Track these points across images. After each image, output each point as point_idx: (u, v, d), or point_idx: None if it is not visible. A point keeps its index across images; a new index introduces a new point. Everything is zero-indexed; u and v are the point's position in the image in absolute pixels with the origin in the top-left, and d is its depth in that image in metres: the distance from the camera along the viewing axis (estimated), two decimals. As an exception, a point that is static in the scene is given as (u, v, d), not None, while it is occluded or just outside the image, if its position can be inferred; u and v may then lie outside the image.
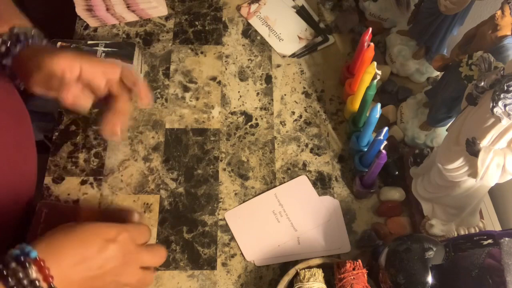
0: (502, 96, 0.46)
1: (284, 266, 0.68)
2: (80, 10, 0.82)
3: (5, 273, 0.39)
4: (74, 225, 0.46)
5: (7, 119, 0.60)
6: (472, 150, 0.51)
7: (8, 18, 0.56)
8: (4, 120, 0.60)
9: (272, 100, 0.81)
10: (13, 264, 0.40)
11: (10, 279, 0.39)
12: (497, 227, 0.71)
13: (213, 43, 0.85)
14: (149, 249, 0.50)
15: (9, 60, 0.54)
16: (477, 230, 0.65)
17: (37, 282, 0.40)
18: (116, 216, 0.64)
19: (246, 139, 0.77)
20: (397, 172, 0.73)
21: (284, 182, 0.74)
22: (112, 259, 0.45)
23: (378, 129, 0.65)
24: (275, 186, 0.74)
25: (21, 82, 0.58)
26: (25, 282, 0.39)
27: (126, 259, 0.46)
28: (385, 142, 0.64)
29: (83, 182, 0.72)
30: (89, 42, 0.78)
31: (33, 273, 0.40)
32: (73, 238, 0.44)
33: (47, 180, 0.72)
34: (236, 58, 0.84)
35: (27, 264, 0.40)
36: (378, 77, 0.66)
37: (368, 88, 0.67)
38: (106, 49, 0.77)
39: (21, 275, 0.39)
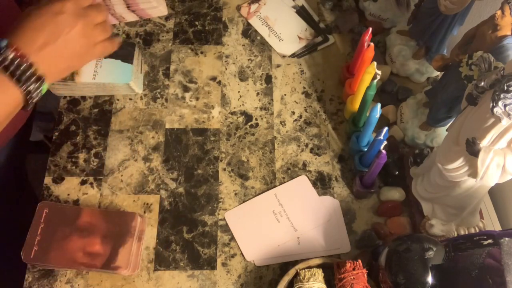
0: (502, 96, 0.46)
1: (284, 266, 0.68)
2: (80, 10, 0.82)
3: None
4: (30, 17, 0.53)
5: None
6: (472, 150, 0.51)
7: None
8: None
9: (272, 100, 0.81)
10: None
11: None
12: (497, 227, 0.71)
13: (213, 43, 0.85)
14: (94, 7, 0.57)
15: None
16: (477, 230, 0.65)
17: (17, 60, 0.49)
18: (116, 217, 0.64)
19: (246, 139, 0.77)
20: (397, 172, 0.73)
21: (284, 182, 0.74)
22: (69, 27, 0.53)
23: (378, 129, 0.65)
24: (275, 186, 0.74)
25: None
26: (7, 62, 0.50)
27: (80, 23, 0.54)
28: (385, 142, 0.64)
29: (83, 182, 0.72)
30: (89, 42, 0.78)
31: (10, 53, 0.49)
32: (32, 25, 0.52)
33: (47, 180, 0.72)
34: (236, 58, 0.84)
35: (1, 50, 0.50)
36: (378, 77, 0.66)
37: (368, 88, 0.67)
38: (106, 49, 0.77)
39: (1, 58, 0.49)
